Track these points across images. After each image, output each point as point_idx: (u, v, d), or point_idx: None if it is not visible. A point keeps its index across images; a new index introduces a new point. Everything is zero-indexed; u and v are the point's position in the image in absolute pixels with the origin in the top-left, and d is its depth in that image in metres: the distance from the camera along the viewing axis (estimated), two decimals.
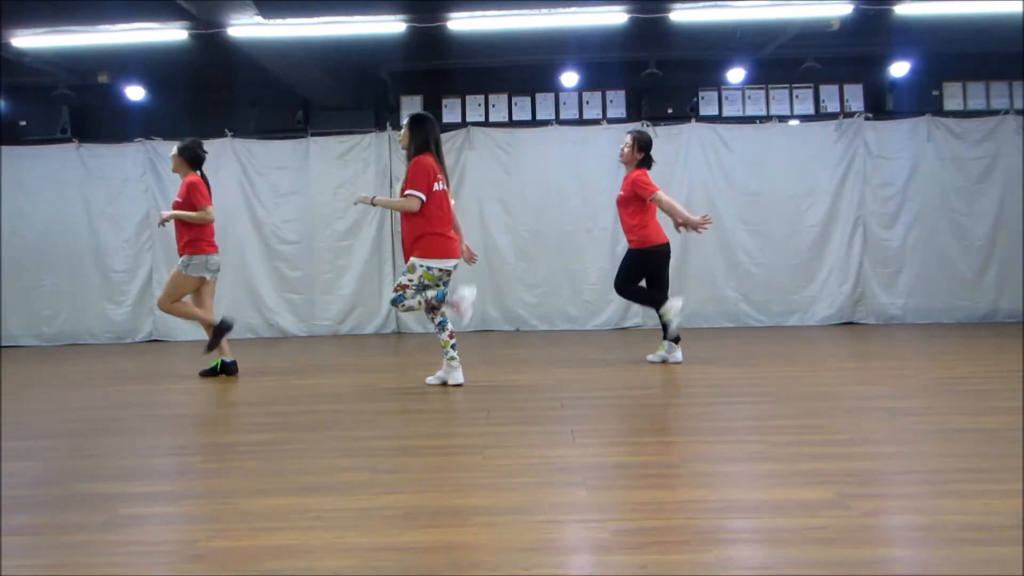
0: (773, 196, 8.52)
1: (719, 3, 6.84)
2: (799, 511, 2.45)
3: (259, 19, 6.55)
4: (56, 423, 4.30)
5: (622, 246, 8.59)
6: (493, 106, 8.91)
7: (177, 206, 5.58)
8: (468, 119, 8.81)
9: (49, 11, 6.58)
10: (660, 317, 5.65)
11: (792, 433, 3.56)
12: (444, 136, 8.62)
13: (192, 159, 5.69)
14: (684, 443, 3.40)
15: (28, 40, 7.04)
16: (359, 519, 2.48)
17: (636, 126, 8.51)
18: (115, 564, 2.18)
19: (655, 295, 5.72)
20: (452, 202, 4.97)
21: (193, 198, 5.52)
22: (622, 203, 5.74)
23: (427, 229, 4.75)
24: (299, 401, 4.73)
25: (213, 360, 5.73)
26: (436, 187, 4.76)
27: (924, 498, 2.57)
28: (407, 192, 4.72)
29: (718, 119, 8.74)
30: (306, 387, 5.27)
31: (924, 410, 4.06)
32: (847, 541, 2.19)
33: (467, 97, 8.91)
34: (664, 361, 5.74)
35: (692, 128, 8.55)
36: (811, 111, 8.79)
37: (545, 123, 8.70)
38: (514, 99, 8.92)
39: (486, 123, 8.79)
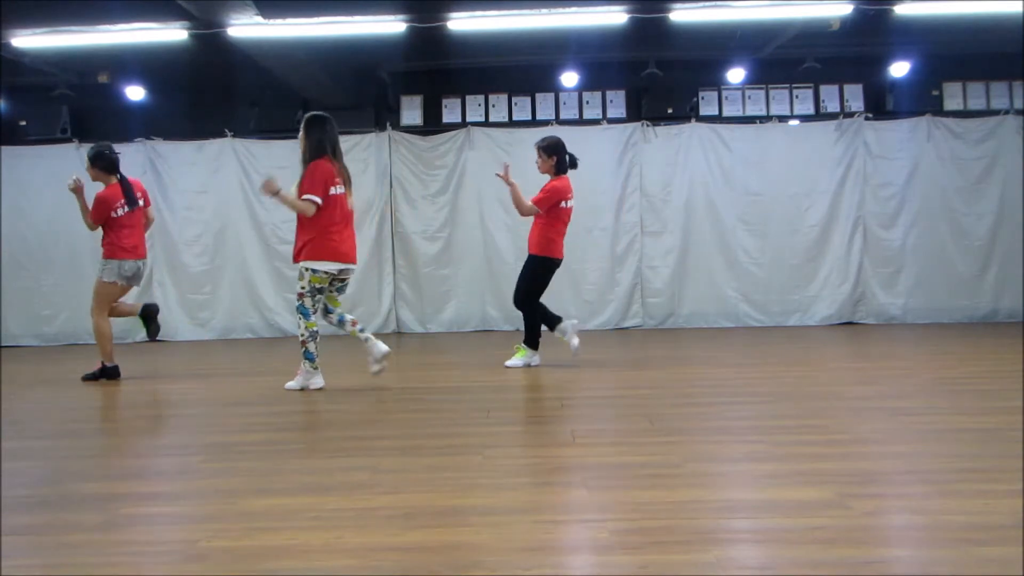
0: (773, 196, 8.52)
1: (719, 3, 6.83)
2: (799, 511, 2.45)
3: (259, 19, 6.56)
4: (56, 423, 4.30)
5: (622, 246, 8.68)
6: (493, 106, 8.91)
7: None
8: (468, 119, 8.81)
9: (49, 11, 6.58)
10: (559, 335, 5.69)
11: (792, 433, 3.56)
12: (444, 136, 8.68)
13: (106, 166, 5.64)
14: (684, 443, 3.40)
15: (28, 40, 7.04)
16: (359, 519, 2.48)
17: (636, 126, 8.52)
18: (115, 564, 2.18)
19: (551, 317, 5.70)
20: (351, 203, 4.95)
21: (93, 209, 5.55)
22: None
23: (316, 233, 4.75)
24: (299, 401, 4.73)
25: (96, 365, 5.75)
26: (333, 191, 4.76)
27: (924, 498, 2.57)
28: (304, 196, 4.72)
29: (718, 119, 8.74)
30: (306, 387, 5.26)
31: (924, 410, 4.06)
32: (847, 541, 2.19)
33: (467, 97, 8.91)
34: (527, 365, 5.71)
35: (692, 128, 8.55)
36: (811, 111, 8.79)
37: (545, 123, 8.69)
38: (514, 99, 8.91)
39: (486, 123, 8.79)
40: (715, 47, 8.14)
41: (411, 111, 8.96)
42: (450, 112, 8.92)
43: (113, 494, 2.84)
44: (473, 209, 8.59)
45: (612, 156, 8.51)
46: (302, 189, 4.75)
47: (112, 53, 7.59)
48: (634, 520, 2.41)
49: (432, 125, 8.86)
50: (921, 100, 8.63)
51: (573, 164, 5.76)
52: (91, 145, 5.83)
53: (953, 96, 8.73)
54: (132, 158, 8.64)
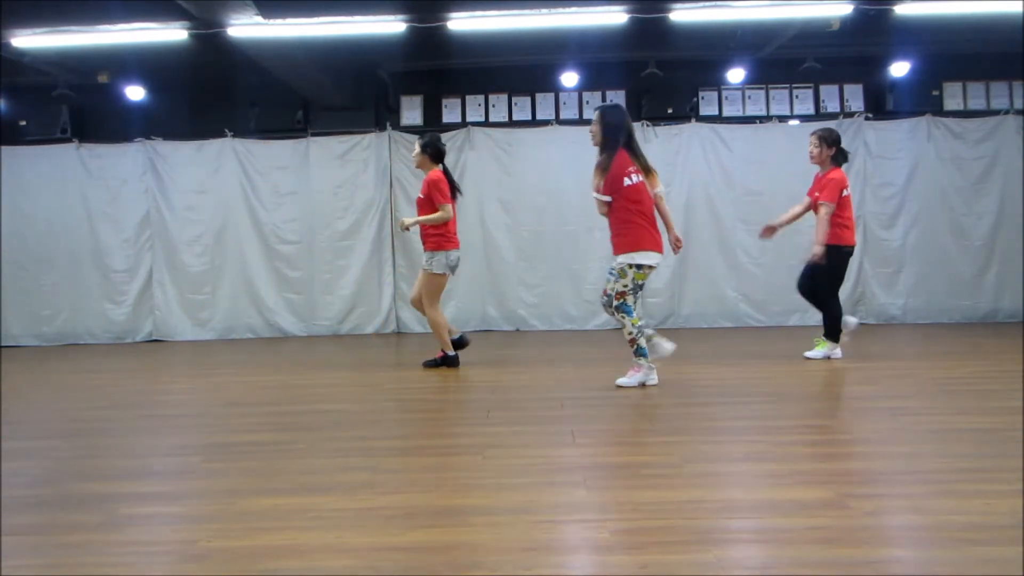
0: (773, 196, 8.49)
1: (719, 3, 6.83)
2: (799, 511, 2.45)
3: (259, 19, 6.55)
4: (56, 423, 4.30)
5: None
6: (493, 106, 8.90)
7: (420, 202, 5.66)
8: (468, 119, 8.81)
9: (49, 11, 6.57)
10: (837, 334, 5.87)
11: (792, 433, 3.56)
12: (444, 136, 8.64)
13: (435, 155, 5.76)
14: (684, 443, 3.40)
15: (28, 40, 7.04)
16: (359, 519, 2.48)
17: (636, 126, 8.50)
18: (115, 564, 2.18)
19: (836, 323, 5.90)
20: (659, 190, 4.82)
21: (433, 195, 5.56)
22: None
23: (632, 224, 4.70)
24: (299, 401, 4.73)
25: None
26: (627, 181, 4.70)
27: (924, 498, 2.57)
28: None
29: (718, 119, 8.74)
30: (306, 387, 5.27)
31: (924, 410, 4.06)
32: (847, 541, 2.19)
33: (467, 97, 8.90)
34: (827, 358, 5.86)
35: (692, 128, 8.55)
36: (811, 111, 8.78)
37: (545, 123, 8.69)
38: (514, 99, 8.91)
39: (486, 123, 8.78)
40: (715, 47, 8.13)
41: (411, 111, 8.95)
42: (450, 112, 8.92)
43: (113, 494, 2.84)
44: (473, 209, 8.59)
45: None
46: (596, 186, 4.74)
47: (112, 53, 7.58)
48: (634, 520, 2.42)
49: (432, 125, 8.85)
50: (921, 100, 8.62)
51: (846, 157, 5.91)
52: (426, 132, 6.05)
53: (953, 96, 8.72)
54: (132, 158, 8.66)
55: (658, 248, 4.71)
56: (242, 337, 8.61)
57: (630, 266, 4.64)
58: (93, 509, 2.64)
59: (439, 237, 5.59)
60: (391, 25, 7.01)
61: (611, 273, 4.72)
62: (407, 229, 5.71)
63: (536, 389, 4.88)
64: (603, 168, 4.74)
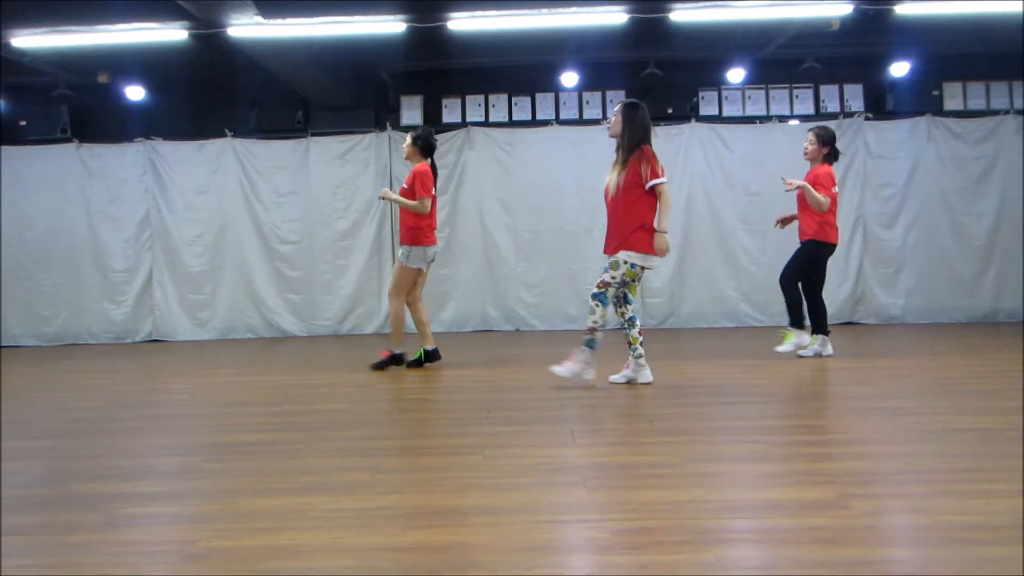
0: (773, 196, 8.47)
1: (719, 3, 6.83)
2: (799, 511, 2.45)
3: (259, 19, 6.55)
4: (56, 423, 4.30)
5: None
6: (493, 106, 8.90)
7: (403, 192, 5.65)
8: (468, 119, 8.80)
9: (49, 11, 6.57)
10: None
11: (792, 433, 3.56)
12: (444, 136, 8.67)
13: (425, 147, 5.75)
14: (684, 443, 3.40)
15: (28, 40, 7.04)
16: (359, 519, 2.48)
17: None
18: (115, 564, 2.18)
19: (821, 319, 5.97)
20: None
21: (416, 187, 5.54)
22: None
23: (647, 223, 4.64)
24: (299, 401, 4.73)
25: (418, 351, 5.87)
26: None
27: (924, 498, 2.57)
28: (662, 180, 4.61)
29: (718, 119, 8.73)
30: (306, 387, 5.27)
31: (924, 410, 4.06)
32: (847, 541, 2.19)
33: (467, 97, 8.90)
34: (817, 355, 5.93)
35: (692, 128, 8.55)
36: (811, 111, 8.78)
37: (545, 123, 8.69)
38: (514, 99, 8.91)
39: (486, 123, 8.78)
40: (715, 47, 8.13)
41: (411, 111, 8.95)
42: (450, 112, 8.92)
43: (113, 494, 2.84)
44: (473, 209, 8.59)
45: (612, 156, 8.49)
46: (654, 173, 4.59)
47: (112, 53, 7.58)
48: (634, 520, 2.42)
49: (432, 125, 8.84)
50: (921, 100, 8.62)
51: (837, 156, 6.01)
52: (418, 125, 5.99)
53: (953, 96, 8.72)
54: (132, 158, 8.66)
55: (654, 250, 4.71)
56: (242, 337, 8.60)
57: (625, 262, 4.67)
58: (93, 509, 2.64)
59: (416, 231, 5.57)
60: (391, 25, 7.01)
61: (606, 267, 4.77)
62: (384, 198, 5.73)
63: (536, 389, 4.88)
64: (653, 158, 4.64)
